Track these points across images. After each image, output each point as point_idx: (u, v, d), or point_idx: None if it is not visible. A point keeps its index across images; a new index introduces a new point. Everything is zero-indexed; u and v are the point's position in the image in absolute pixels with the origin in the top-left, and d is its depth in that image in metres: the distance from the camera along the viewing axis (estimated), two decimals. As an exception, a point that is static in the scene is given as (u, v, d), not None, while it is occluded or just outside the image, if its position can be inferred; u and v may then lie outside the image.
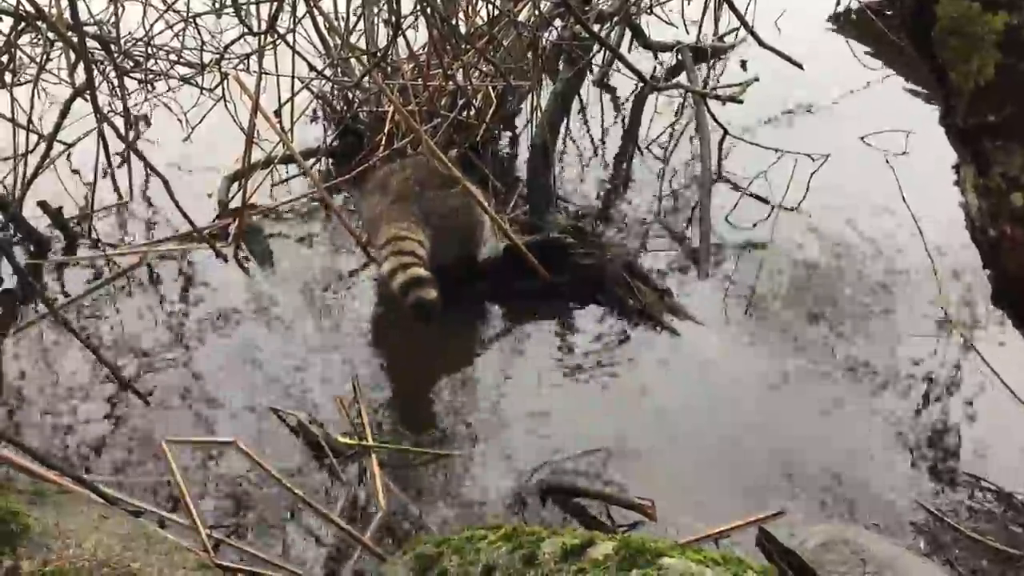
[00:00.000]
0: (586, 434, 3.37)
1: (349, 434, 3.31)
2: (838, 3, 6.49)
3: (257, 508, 3.06)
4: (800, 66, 4.49)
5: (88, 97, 2.38)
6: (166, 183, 2.64)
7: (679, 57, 5.44)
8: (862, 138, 4.86)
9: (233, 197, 4.37)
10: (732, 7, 3.56)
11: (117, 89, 3.40)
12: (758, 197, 4.65)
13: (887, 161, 4.08)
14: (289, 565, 2.86)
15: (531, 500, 3.13)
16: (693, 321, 3.89)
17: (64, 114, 2.70)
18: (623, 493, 3.07)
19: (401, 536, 3.00)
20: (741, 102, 3.35)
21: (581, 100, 5.38)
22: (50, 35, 3.34)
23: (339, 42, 4.54)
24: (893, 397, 3.59)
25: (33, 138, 3.68)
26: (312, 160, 4.69)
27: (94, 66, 2.51)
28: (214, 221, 4.29)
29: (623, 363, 3.71)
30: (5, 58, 3.66)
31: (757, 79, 3.42)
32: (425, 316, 3.53)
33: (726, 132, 5.05)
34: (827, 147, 4.74)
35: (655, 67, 5.59)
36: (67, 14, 2.71)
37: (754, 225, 4.48)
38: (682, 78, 5.22)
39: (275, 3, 2.76)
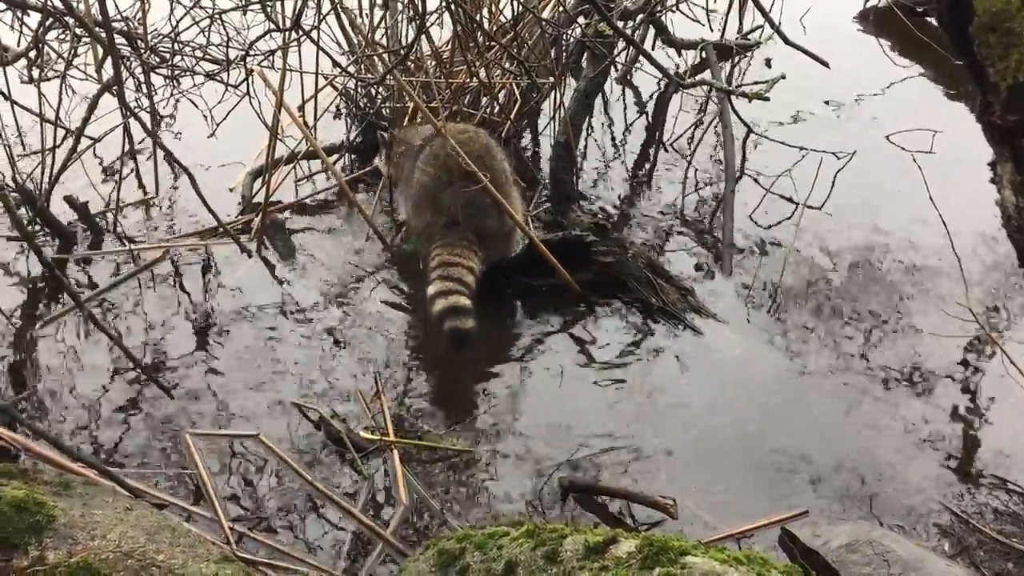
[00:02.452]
0: (607, 432, 3.37)
1: (371, 429, 3.32)
2: (867, 1, 6.43)
3: (279, 501, 3.07)
4: (826, 64, 4.43)
5: (116, 93, 2.39)
6: (192, 178, 2.65)
7: (702, 55, 5.41)
8: (888, 137, 4.81)
9: (256, 193, 4.39)
10: (758, 4, 3.53)
11: (143, 85, 3.42)
12: (782, 196, 4.62)
13: (914, 160, 4.03)
14: (310, 559, 2.87)
15: (552, 497, 3.13)
16: (715, 319, 3.87)
17: (92, 109, 2.72)
18: (644, 491, 3.06)
19: (422, 531, 3.00)
20: (768, 99, 3.31)
21: (604, 97, 5.37)
22: (78, 31, 3.37)
23: (362, 39, 4.55)
24: (917, 398, 3.57)
25: (60, 134, 3.70)
26: (335, 156, 4.70)
27: (121, 62, 2.52)
28: (237, 216, 4.31)
29: (644, 361, 3.70)
30: (32, 53, 3.69)
31: (784, 77, 3.38)
32: (459, 344, 3.61)
33: (750, 130, 5.02)
34: (852, 146, 4.71)
35: (677, 65, 5.56)
36: (95, 10, 2.73)
37: (778, 223, 4.46)
38: (706, 76, 5.19)
39: (301, 0, 2.76)
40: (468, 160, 3.62)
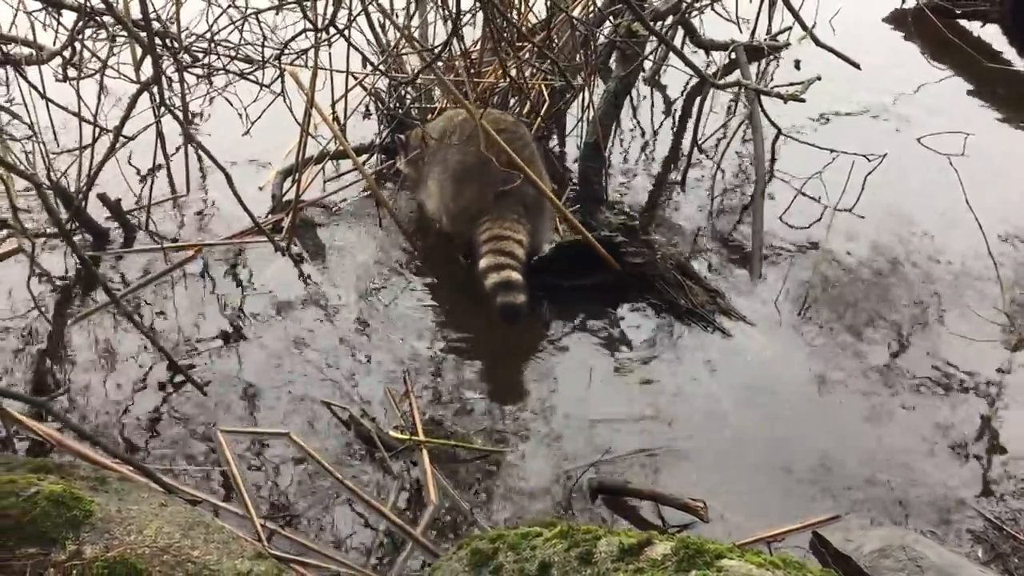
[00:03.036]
0: (635, 433, 3.37)
1: (400, 428, 3.33)
2: (903, 1, 6.39)
3: (308, 499, 3.09)
4: (857, 66, 4.44)
5: (155, 93, 2.41)
6: (229, 178, 2.67)
7: (731, 56, 5.39)
8: (919, 140, 4.78)
9: (287, 192, 4.42)
10: (789, 6, 3.52)
11: (177, 84, 3.45)
12: (812, 197, 4.60)
13: (951, 163, 4.00)
14: (341, 556, 2.88)
15: (581, 498, 3.13)
16: (745, 322, 3.85)
17: (131, 109, 2.75)
18: (673, 493, 3.05)
19: (451, 531, 3.01)
20: (803, 100, 3.30)
21: (631, 98, 5.36)
22: (117, 30, 3.39)
23: (393, 38, 4.56)
24: (949, 402, 3.54)
25: (93, 133, 3.73)
26: (365, 156, 4.72)
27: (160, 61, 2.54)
28: (267, 215, 4.33)
29: (673, 362, 3.69)
30: (68, 52, 3.72)
31: (819, 78, 3.38)
32: (511, 319, 3.64)
33: (780, 132, 4.99)
34: (883, 148, 4.67)
35: (706, 66, 5.54)
36: (134, 10, 2.76)
37: (808, 226, 4.43)
38: (736, 76, 5.17)
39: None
40: (502, 140, 3.64)
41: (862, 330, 3.86)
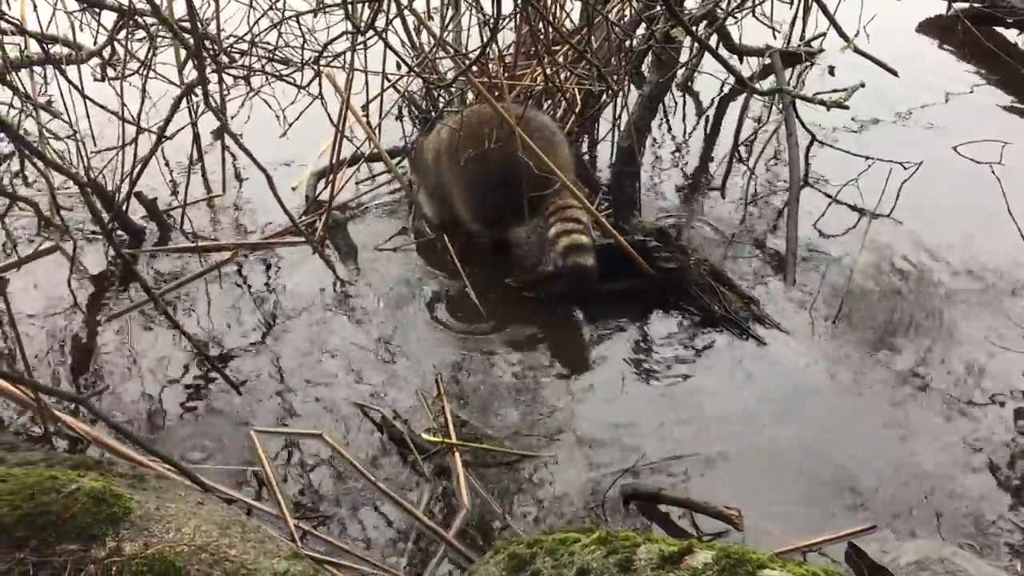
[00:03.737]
0: (667, 439, 3.35)
1: (432, 430, 3.33)
2: (949, 7, 6.33)
3: (340, 500, 3.09)
4: (895, 73, 4.40)
5: (199, 94, 2.43)
6: (269, 179, 2.68)
7: (766, 61, 5.36)
8: (955, 148, 4.73)
9: (320, 193, 4.43)
10: (826, 12, 3.49)
11: (216, 85, 3.48)
12: (847, 204, 4.57)
13: (992, 172, 3.95)
14: (373, 558, 2.89)
15: (613, 504, 3.11)
16: (779, 330, 3.83)
17: (175, 110, 2.77)
18: (708, 501, 3.03)
19: (484, 535, 3.01)
20: (847, 107, 3.28)
21: (663, 104, 5.34)
22: (157, 30, 3.42)
23: (427, 41, 4.57)
24: (986, 413, 3.49)
25: (131, 133, 3.76)
26: (398, 159, 4.73)
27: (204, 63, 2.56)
28: (300, 216, 4.35)
29: (707, 369, 3.67)
30: (107, 52, 3.76)
31: (863, 85, 3.37)
32: (580, 280, 3.81)
33: (814, 138, 4.96)
34: (918, 155, 4.63)
35: (740, 71, 5.52)
36: (178, 11, 2.78)
37: (844, 233, 4.40)
38: (771, 82, 5.14)
39: (376, 2, 2.78)
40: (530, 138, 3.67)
41: (896, 340, 3.82)
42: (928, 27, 6.35)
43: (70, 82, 3.60)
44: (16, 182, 4.22)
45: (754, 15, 5.09)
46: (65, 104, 4.17)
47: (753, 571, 1.91)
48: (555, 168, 3.73)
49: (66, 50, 3.94)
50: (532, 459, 3.26)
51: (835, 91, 3.56)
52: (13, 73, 3.39)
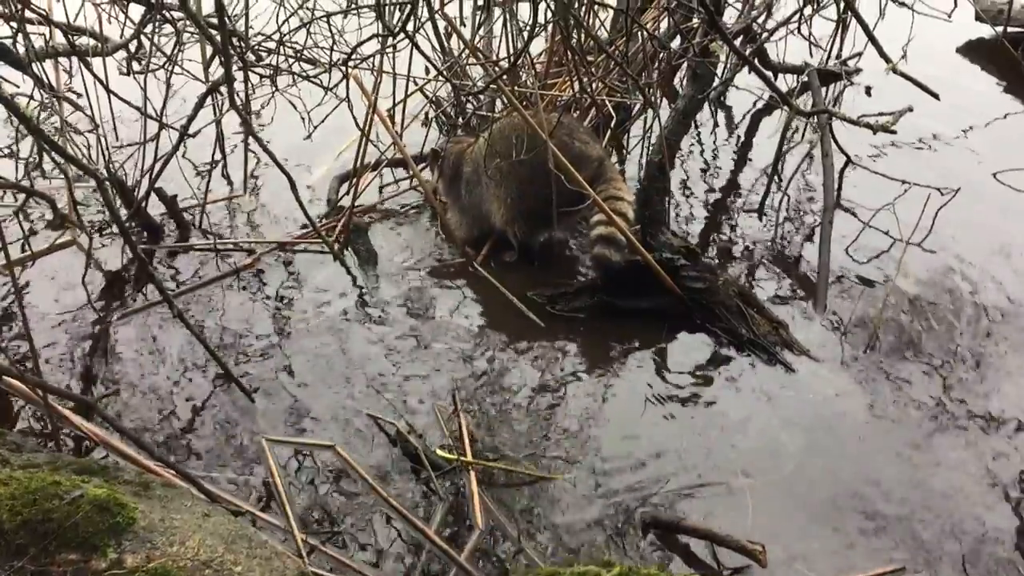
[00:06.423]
0: (689, 466, 3.24)
1: (447, 447, 3.24)
2: (996, 28, 6.20)
3: (350, 516, 3.01)
4: (936, 96, 4.25)
5: (225, 92, 2.35)
6: (292, 182, 2.61)
7: (802, 79, 5.25)
8: (995, 175, 4.60)
9: (341, 197, 4.36)
10: (868, 33, 3.38)
11: (241, 83, 3.41)
12: (880, 229, 4.45)
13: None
14: (380, 576, 2.80)
15: (631, 531, 3.01)
16: (808, 356, 3.71)
17: (199, 108, 2.70)
18: (730, 533, 2.92)
19: (496, 558, 2.91)
20: (895, 132, 3.17)
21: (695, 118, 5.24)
22: (184, 25, 3.36)
23: (456, 46, 4.49)
24: (1020, 449, 3.37)
25: (153, 129, 3.70)
26: (423, 165, 4.65)
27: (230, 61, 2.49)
28: (320, 219, 4.28)
29: (733, 394, 3.56)
30: (133, 46, 3.69)
31: (911, 109, 3.27)
32: (602, 271, 3.89)
33: (849, 159, 4.85)
34: (956, 181, 4.51)
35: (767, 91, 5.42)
36: (207, 7, 2.71)
37: (876, 256, 4.28)
38: (807, 101, 5.04)
39: (408, 5, 2.70)
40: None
41: (929, 369, 3.69)
42: (969, 50, 6.22)
43: (94, 75, 3.54)
44: (34, 175, 4.16)
45: (799, 32, 4.97)
46: (88, 98, 4.12)
47: (784, 619, 1.80)
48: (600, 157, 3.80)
49: (92, 42, 3.89)
50: (551, 480, 3.16)
51: (881, 114, 3.44)
52: (37, 63, 3.33)
